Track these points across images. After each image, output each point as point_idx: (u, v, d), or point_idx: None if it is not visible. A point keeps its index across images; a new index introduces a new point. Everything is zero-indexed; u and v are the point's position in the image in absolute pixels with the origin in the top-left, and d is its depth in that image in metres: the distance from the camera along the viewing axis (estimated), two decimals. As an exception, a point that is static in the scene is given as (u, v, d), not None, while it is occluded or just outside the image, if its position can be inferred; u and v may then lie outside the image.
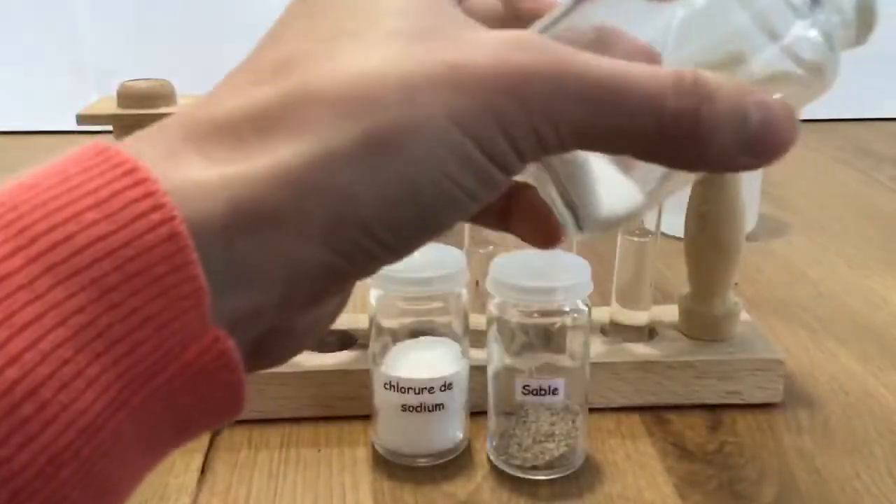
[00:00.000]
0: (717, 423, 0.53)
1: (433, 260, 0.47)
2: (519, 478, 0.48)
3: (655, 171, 0.25)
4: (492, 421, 0.49)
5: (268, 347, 0.24)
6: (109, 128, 0.51)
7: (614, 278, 0.56)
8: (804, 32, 0.25)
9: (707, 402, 0.54)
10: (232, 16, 1.25)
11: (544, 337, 0.47)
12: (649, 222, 0.54)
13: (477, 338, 0.50)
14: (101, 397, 0.19)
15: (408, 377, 0.47)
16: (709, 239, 0.54)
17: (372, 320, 0.49)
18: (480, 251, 0.54)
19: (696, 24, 0.26)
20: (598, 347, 0.55)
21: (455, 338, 0.49)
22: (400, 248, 0.23)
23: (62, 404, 0.18)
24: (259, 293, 0.21)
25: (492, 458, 0.49)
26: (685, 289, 0.57)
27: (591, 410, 0.51)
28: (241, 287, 0.21)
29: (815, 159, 1.15)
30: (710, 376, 0.54)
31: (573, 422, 0.48)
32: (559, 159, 0.25)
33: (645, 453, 0.50)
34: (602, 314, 0.57)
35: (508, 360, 0.48)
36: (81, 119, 0.50)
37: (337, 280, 0.23)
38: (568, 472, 0.48)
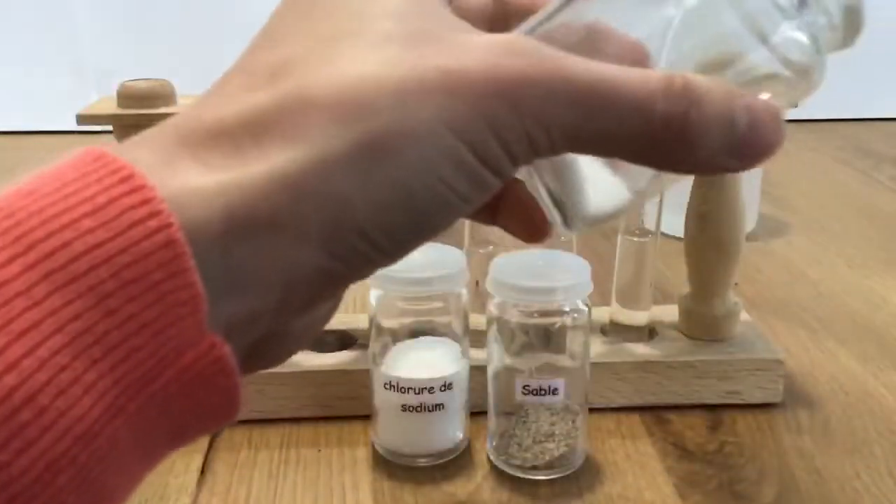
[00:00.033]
0: (717, 423, 0.53)
1: (433, 260, 0.47)
2: (519, 478, 0.48)
3: (644, 169, 0.25)
4: (492, 421, 0.49)
5: (263, 350, 0.24)
6: (109, 128, 0.51)
7: (614, 278, 0.56)
8: (792, 34, 0.25)
9: (707, 402, 0.54)
10: (232, 16, 1.25)
11: (544, 337, 0.47)
12: (649, 222, 0.54)
13: (477, 338, 0.50)
14: (98, 403, 0.19)
15: (408, 377, 0.47)
16: (709, 239, 0.54)
17: (372, 320, 0.49)
18: (480, 251, 0.54)
19: (687, 23, 0.26)
20: (598, 347, 0.55)
21: (455, 338, 0.49)
22: (395, 251, 0.23)
23: (60, 410, 0.18)
24: (256, 298, 0.21)
25: (492, 458, 0.49)
26: (685, 289, 0.57)
27: (591, 410, 0.51)
28: (238, 293, 0.21)
29: (815, 159, 1.15)
30: (710, 376, 0.54)
31: (573, 422, 0.48)
32: (548, 158, 0.25)
33: (645, 453, 0.50)
34: (602, 314, 0.57)
35: (508, 360, 0.48)
36: (81, 119, 0.50)
37: (333, 284, 0.23)
38: (568, 472, 0.48)
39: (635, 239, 0.54)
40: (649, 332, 0.56)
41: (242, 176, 0.21)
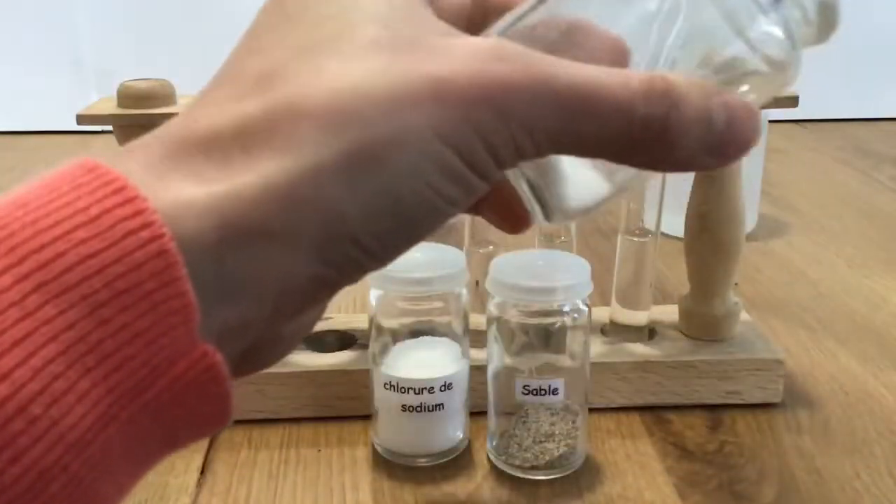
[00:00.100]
0: (717, 423, 0.53)
1: (433, 260, 0.47)
2: (519, 478, 0.48)
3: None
4: (492, 421, 0.49)
5: (254, 354, 0.24)
6: (109, 128, 0.51)
7: (614, 278, 0.56)
8: (768, 28, 0.25)
9: (707, 402, 0.54)
10: (232, 16, 1.25)
11: (544, 337, 0.47)
12: (649, 222, 0.54)
13: (477, 338, 0.50)
14: (91, 412, 0.19)
15: (408, 377, 0.47)
16: (709, 239, 0.54)
17: (372, 320, 0.49)
18: (480, 251, 0.54)
19: (667, 18, 0.26)
20: (598, 347, 0.55)
21: (455, 338, 0.49)
22: (385, 255, 0.23)
23: (53, 419, 0.18)
24: (249, 306, 0.22)
25: (492, 458, 0.49)
26: (685, 289, 0.57)
27: (591, 410, 0.51)
28: (231, 301, 0.21)
29: (815, 159, 1.15)
30: (710, 376, 0.54)
31: (573, 422, 0.48)
32: None
33: (645, 453, 0.50)
34: (602, 314, 0.57)
35: (508, 360, 0.48)
36: (81, 119, 0.50)
37: (325, 290, 0.23)
38: (568, 472, 0.48)
39: (635, 239, 0.54)
40: (649, 332, 0.56)
41: (234, 187, 0.21)
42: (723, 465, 0.49)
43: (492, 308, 0.48)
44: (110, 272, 0.19)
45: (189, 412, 0.21)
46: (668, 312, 0.58)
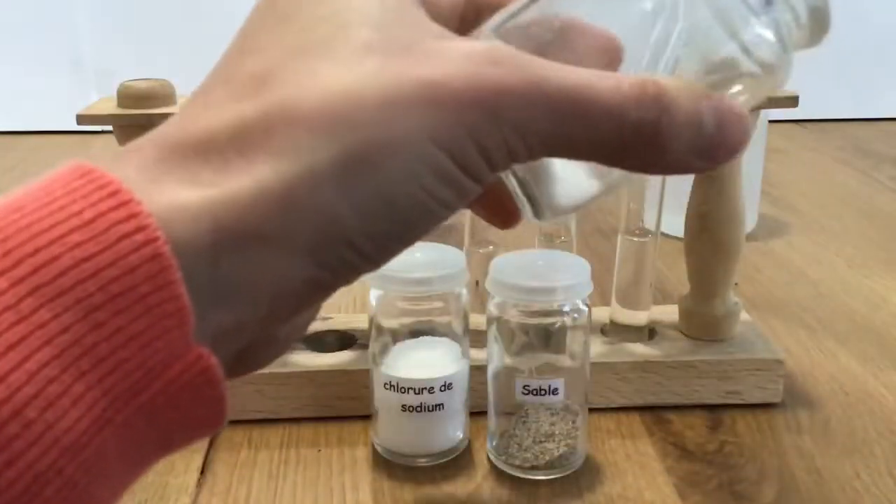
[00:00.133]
0: (717, 423, 0.53)
1: (433, 260, 0.47)
2: (519, 478, 0.48)
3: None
4: (492, 421, 0.49)
5: (248, 356, 0.25)
6: (109, 128, 0.51)
7: (614, 278, 0.56)
8: (760, 31, 0.26)
9: (707, 402, 0.54)
10: (232, 16, 1.24)
11: (544, 337, 0.47)
12: (649, 222, 0.54)
13: (477, 338, 0.50)
14: (85, 415, 0.19)
15: (408, 377, 0.47)
16: (709, 239, 0.54)
17: (372, 320, 0.49)
18: (480, 251, 0.54)
19: (669, 17, 0.26)
20: (598, 347, 0.55)
21: (455, 338, 0.49)
22: (380, 258, 0.24)
23: (48, 423, 0.18)
24: (244, 309, 0.22)
25: (492, 458, 0.49)
26: (685, 289, 0.57)
27: (591, 410, 0.51)
28: (226, 304, 0.21)
29: (815, 159, 1.15)
30: (710, 376, 0.54)
31: (573, 422, 0.48)
32: None
33: (645, 453, 0.50)
34: (602, 314, 0.57)
35: (508, 360, 0.48)
36: (81, 119, 0.50)
37: (320, 292, 0.23)
38: (568, 472, 0.48)
39: (635, 239, 0.54)
40: (649, 332, 0.56)
41: (229, 191, 0.21)
42: (723, 465, 0.49)
43: (492, 308, 0.48)
44: (105, 276, 0.19)
45: (184, 415, 0.21)
46: (668, 312, 0.58)
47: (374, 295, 0.48)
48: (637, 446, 0.51)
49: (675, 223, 0.61)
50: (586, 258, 0.48)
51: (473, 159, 0.23)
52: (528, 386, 0.47)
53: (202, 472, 0.49)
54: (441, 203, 0.23)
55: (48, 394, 0.18)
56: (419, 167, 0.22)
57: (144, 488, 0.47)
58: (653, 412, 0.54)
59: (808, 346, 0.63)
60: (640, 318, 0.56)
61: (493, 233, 0.53)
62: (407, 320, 0.48)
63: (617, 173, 0.27)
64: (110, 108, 0.50)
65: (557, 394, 0.47)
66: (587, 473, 0.48)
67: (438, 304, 0.48)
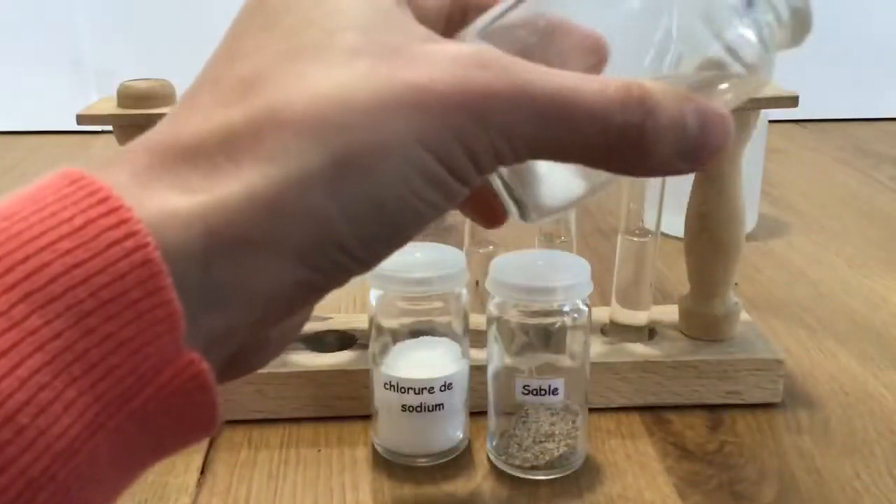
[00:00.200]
0: (717, 423, 0.53)
1: (433, 260, 0.47)
2: (519, 478, 0.48)
3: None
4: (492, 421, 0.49)
5: (240, 360, 0.25)
6: (109, 128, 0.51)
7: (614, 278, 0.56)
8: (743, 31, 0.26)
9: (707, 402, 0.54)
10: (232, 16, 1.25)
11: (544, 337, 0.47)
12: (649, 222, 0.54)
13: (477, 338, 0.50)
14: (77, 421, 0.19)
15: (408, 377, 0.47)
16: (709, 239, 0.54)
17: (372, 320, 0.49)
18: (480, 251, 0.54)
19: (644, 20, 0.26)
20: (598, 347, 0.55)
21: (455, 338, 0.49)
22: (371, 259, 0.24)
23: (40, 429, 0.18)
24: (236, 314, 0.22)
25: (492, 458, 0.49)
26: (685, 289, 0.57)
27: (591, 410, 0.51)
28: (217, 308, 0.21)
29: (815, 159, 1.15)
30: (710, 376, 0.54)
31: (573, 422, 0.48)
32: None
33: (645, 453, 0.50)
34: (602, 314, 0.57)
35: (508, 360, 0.48)
36: (81, 119, 0.50)
37: (312, 294, 0.24)
38: (568, 472, 0.48)
39: (635, 239, 0.54)
40: (649, 332, 0.56)
41: (220, 196, 0.21)
42: (723, 465, 0.49)
43: (492, 308, 0.48)
44: (95, 282, 0.19)
45: (176, 420, 0.21)
46: (668, 312, 0.58)
47: (374, 295, 0.48)
48: (637, 446, 0.51)
49: (675, 223, 0.61)
50: (586, 258, 0.48)
51: (461, 162, 0.23)
52: (528, 386, 0.47)
53: (202, 472, 0.49)
54: (429, 205, 0.23)
55: (40, 400, 0.18)
56: (408, 170, 0.22)
57: (144, 488, 0.47)
58: (653, 412, 0.54)
59: (808, 346, 0.63)
60: (640, 318, 0.56)
61: (493, 233, 0.53)
62: (407, 320, 0.48)
63: (603, 174, 0.27)
64: (110, 108, 0.50)
65: (557, 394, 0.47)
66: (587, 473, 0.48)
67: (438, 304, 0.48)
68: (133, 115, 0.49)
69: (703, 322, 0.55)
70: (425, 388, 0.47)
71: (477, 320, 0.50)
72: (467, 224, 0.54)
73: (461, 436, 0.50)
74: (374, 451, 0.50)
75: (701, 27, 0.25)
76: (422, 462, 0.49)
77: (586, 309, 0.47)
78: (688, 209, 0.55)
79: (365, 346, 0.54)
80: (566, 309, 0.47)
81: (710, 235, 0.54)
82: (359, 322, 0.57)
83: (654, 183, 0.54)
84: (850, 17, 1.31)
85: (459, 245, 0.52)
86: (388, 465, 0.49)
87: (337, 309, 0.63)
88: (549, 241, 0.54)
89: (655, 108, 0.24)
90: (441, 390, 0.48)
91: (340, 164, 0.22)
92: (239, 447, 0.51)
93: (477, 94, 0.22)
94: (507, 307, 0.47)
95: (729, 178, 0.53)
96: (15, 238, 0.19)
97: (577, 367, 0.48)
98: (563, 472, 0.48)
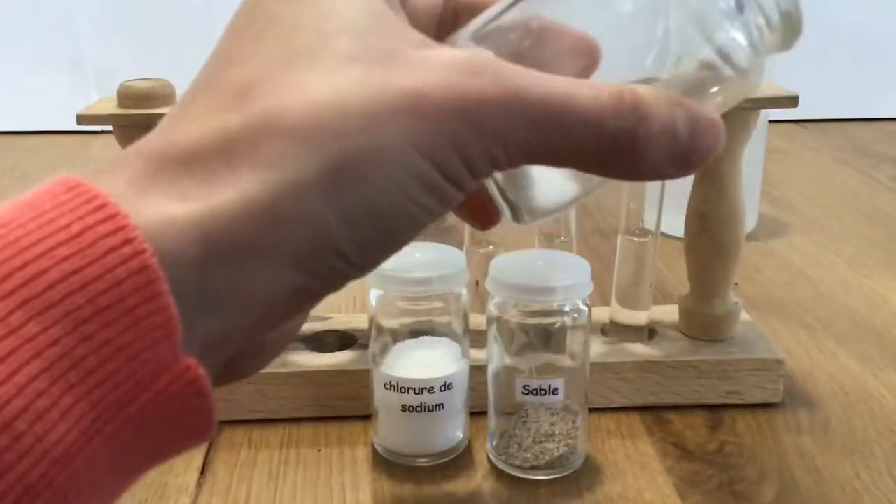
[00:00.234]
0: (717, 423, 0.53)
1: (433, 260, 0.47)
2: (519, 478, 0.48)
3: None
4: (492, 421, 0.49)
5: (236, 364, 0.25)
6: (109, 128, 0.51)
7: (614, 278, 0.56)
8: (734, 34, 0.26)
9: (707, 402, 0.54)
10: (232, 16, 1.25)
11: (544, 337, 0.47)
12: (649, 222, 0.54)
13: (477, 338, 0.50)
14: (75, 427, 0.19)
15: (408, 377, 0.47)
16: (709, 239, 0.54)
17: (372, 320, 0.49)
18: (480, 251, 0.54)
19: (637, 23, 0.27)
20: (598, 347, 0.55)
21: (455, 338, 0.49)
22: (367, 264, 0.24)
23: (37, 435, 0.18)
24: (234, 319, 0.22)
25: (492, 458, 0.49)
26: (685, 289, 0.57)
27: (591, 410, 0.51)
28: (214, 314, 0.22)
29: (815, 159, 1.15)
30: (710, 376, 0.54)
31: (573, 422, 0.48)
32: None
33: (645, 453, 0.50)
34: (602, 314, 0.57)
35: (508, 360, 0.48)
36: (81, 119, 0.50)
37: (309, 299, 0.24)
38: (568, 472, 0.48)
39: (635, 239, 0.54)
40: (649, 332, 0.56)
41: (217, 203, 0.21)
42: (723, 465, 0.49)
43: (492, 308, 0.48)
44: (92, 289, 0.19)
45: (172, 425, 0.21)
46: (668, 312, 0.58)
47: (374, 295, 0.48)
48: (637, 446, 0.51)
49: (675, 223, 0.61)
50: (586, 258, 0.48)
51: (456, 167, 0.23)
52: (528, 386, 0.47)
53: (202, 472, 0.49)
54: (425, 210, 0.24)
55: (37, 407, 0.18)
56: (403, 176, 0.22)
57: (144, 488, 0.47)
58: (653, 412, 0.54)
59: (808, 346, 0.63)
60: (640, 318, 0.56)
61: (493, 233, 0.53)
62: (407, 320, 0.48)
63: (595, 178, 0.27)
64: (110, 108, 0.50)
65: (557, 394, 0.47)
66: (587, 473, 0.48)
67: (438, 304, 0.48)
68: (133, 115, 0.49)
69: (703, 322, 0.55)
70: (425, 388, 0.47)
71: (477, 320, 0.50)
72: (467, 224, 0.54)
73: (461, 436, 0.50)
74: (374, 451, 0.50)
75: (692, 30, 0.26)
76: (422, 462, 0.49)
77: (586, 309, 0.47)
78: (688, 209, 0.55)
79: (365, 346, 0.54)
80: (566, 309, 0.47)
81: (710, 235, 0.54)
82: (359, 322, 0.57)
83: (653, 183, 0.54)
84: (850, 18, 1.31)
85: (459, 245, 0.52)
86: (388, 465, 0.49)
87: (337, 309, 0.63)
88: (549, 241, 0.54)
89: (647, 114, 0.24)
90: (441, 390, 0.48)
91: (337, 170, 0.22)
92: (239, 447, 0.51)
93: (472, 101, 0.23)
94: (507, 307, 0.47)
95: (729, 178, 0.53)
96: (13, 245, 0.19)
97: (577, 367, 0.48)
98: (563, 472, 0.48)
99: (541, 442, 0.47)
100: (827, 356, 0.61)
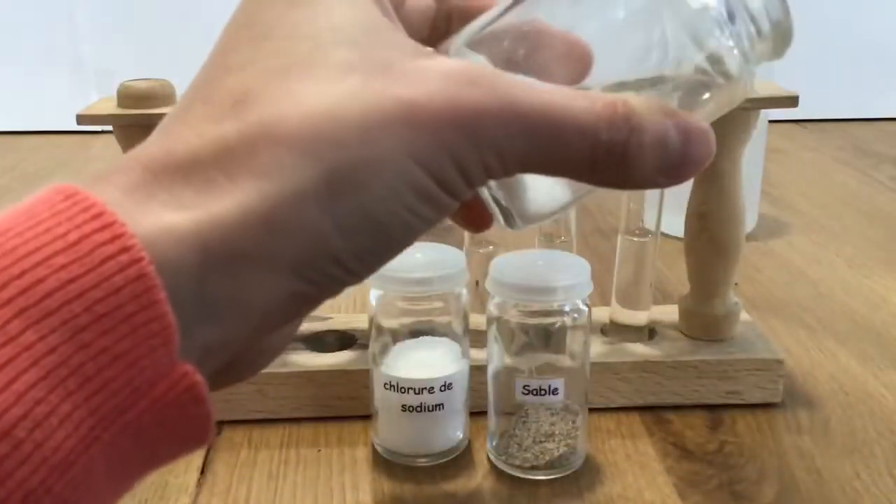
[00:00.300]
0: (717, 423, 0.53)
1: (433, 260, 0.47)
2: (519, 478, 0.48)
3: None
4: (492, 421, 0.49)
5: (233, 368, 0.25)
6: (109, 128, 0.51)
7: (614, 278, 0.56)
8: (725, 43, 0.26)
9: (707, 402, 0.54)
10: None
11: (544, 337, 0.47)
12: (649, 222, 0.54)
13: (477, 338, 0.50)
14: (73, 434, 0.19)
15: (408, 377, 0.47)
16: (709, 239, 0.54)
17: (372, 320, 0.49)
18: (480, 251, 0.54)
19: (629, 29, 0.27)
20: (598, 347, 0.55)
21: (455, 338, 0.49)
22: (363, 271, 0.24)
23: (36, 442, 0.19)
24: (231, 326, 0.22)
25: (492, 458, 0.49)
26: (685, 289, 0.57)
27: (591, 410, 0.51)
28: (212, 322, 0.22)
29: (815, 159, 1.15)
30: (710, 376, 0.54)
31: (573, 422, 0.48)
32: None
33: (645, 453, 0.50)
34: (602, 314, 0.57)
35: (508, 360, 0.48)
36: (81, 119, 0.50)
37: (306, 306, 0.24)
38: (568, 472, 0.48)
39: (635, 239, 0.54)
40: (649, 332, 0.56)
41: (214, 212, 0.21)
42: (723, 465, 0.49)
43: (492, 308, 0.48)
44: (90, 296, 0.19)
45: (169, 432, 0.21)
46: (668, 312, 0.58)
47: (374, 295, 0.48)
48: (637, 446, 0.51)
49: (675, 223, 0.61)
50: (586, 258, 0.48)
51: (452, 177, 0.23)
52: (528, 386, 0.47)
53: (202, 472, 0.49)
54: (421, 218, 0.24)
55: (36, 414, 0.19)
56: (400, 185, 0.23)
57: (144, 488, 0.47)
58: (653, 412, 0.54)
59: (808, 346, 0.63)
60: (640, 318, 0.56)
61: (493, 233, 0.53)
62: (407, 320, 0.48)
63: (587, 185, 0.27)
64: (110, 108, 0.50)
65: (557, 394, 0.47)
66: (587, 473, 0.48)
67: (438, 304, 0.48)
68: (133, 115, 0.49)
69: (703, 322, 0.55)
70: (425, 388, 0.47)
71: (477, 320, 0.50)
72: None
73: (461, 436, 0.50)
74: (374, 451, 0.50)
75: (684, 37, 0.26)
76: (422, 462, 0.49)
77: (586, 309, 0.47)
78: (688, 209, 0.55)
79: (365, 346, 0.54)
80: (566, 309, 0.47)
81: (710, 235, 0.54)
82: (359, 322, 0.57)
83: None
84: (850, 18, 1.31)
85: (459, 245, 0.52)
86: (388, 465, 0.49)
87: (337, 309, 0.63)
88: (549, 241, 0.54)
89: (639, 125, 0.24)
90: (441, 390, 0.48)
91: (334, 180, 0.22)
92: (239, 447, 0.51)
93: (468, 111, 0.23)
94: (507, 307, 0.47)
95: (729, 177, 0.53)
96: (10, 254, 0.19)
97: (577, 367, 0.48)
98: (563, 472, 0.48)
99: (541, 442, 0.47)
100: (827, 356, 0.61)
